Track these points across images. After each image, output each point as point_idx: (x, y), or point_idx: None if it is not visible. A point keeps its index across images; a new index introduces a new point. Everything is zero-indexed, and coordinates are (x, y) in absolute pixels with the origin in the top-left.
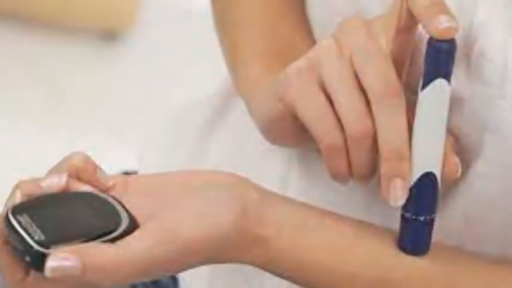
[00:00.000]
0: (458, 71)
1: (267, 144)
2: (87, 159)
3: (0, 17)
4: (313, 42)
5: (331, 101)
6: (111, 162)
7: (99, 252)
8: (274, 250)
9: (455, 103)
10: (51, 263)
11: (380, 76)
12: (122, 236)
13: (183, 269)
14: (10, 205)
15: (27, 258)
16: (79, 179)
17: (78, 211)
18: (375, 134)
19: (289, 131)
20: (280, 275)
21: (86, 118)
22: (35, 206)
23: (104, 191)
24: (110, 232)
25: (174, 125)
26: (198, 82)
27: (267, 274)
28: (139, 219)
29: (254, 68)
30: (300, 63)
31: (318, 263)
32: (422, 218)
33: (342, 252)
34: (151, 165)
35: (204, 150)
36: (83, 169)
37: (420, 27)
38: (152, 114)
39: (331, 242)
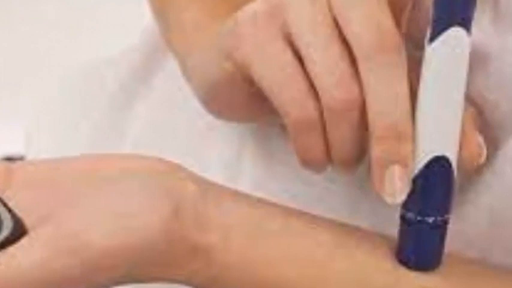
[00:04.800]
0: (481, 17)
1: (210, 118)
2: None
3: None
4: None
5: (300, 59)
6: None
7: None
8: (220, 264)
9: (477, 60)
10: None
11: (370, 23)
12: (3, 245)
13: None
14: None
15: None
16: None
17: None
18: (363, 103)
19: (241, 100)
20: None
21: None
22: None
23: None
24: None
25: (75, 92)
26: (109, 33)
27: None
28: (27, 221)
29: (191, 13)
30: (257, 6)
31: (282, 282)
32: (430, 220)
33: (317, 267)
34: (44, 148)
35: (120, 127)
36: None
37: None
38: (45, 78)
39: (300, 252)
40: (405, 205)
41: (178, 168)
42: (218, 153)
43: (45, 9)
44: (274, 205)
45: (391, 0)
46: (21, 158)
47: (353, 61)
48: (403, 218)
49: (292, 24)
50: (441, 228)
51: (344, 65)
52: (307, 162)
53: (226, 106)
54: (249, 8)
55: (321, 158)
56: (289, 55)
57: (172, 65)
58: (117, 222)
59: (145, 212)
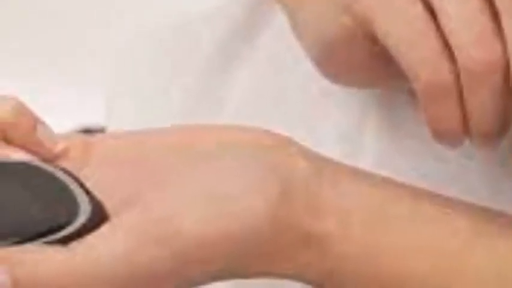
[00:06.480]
0: None
1: (325, 82)
2: (21, 110)
3: None
4: None
5: (432, 12)
6: (63, 114)
7: (41, 259)
8: (337, 255)
9: None
10: None
11: None
12: (80, 233)
13: None
14: None
15: None
16: (7, 140)
17: (7, 193)
18: (507, 65)
19: (361, 60)
20: None
21: (19, 45)
22: None
23: (49, 161)
24: (60, 227)
25: (164, 54)
26: None
27: None
28: (108, 205)
29: None
30: None
31: (410, 275)
32: None
33: (452, 259)
34: (128, 119)
35: (218, 94)
36: (13, 125)
37: None
38: (127, 37)
39: (433, 242)
40: None
41: (288, 141)
42: (334, 124)
43: None
44: (401, 186)
45: None
46: (101, 130)
47: (495, 15)
48: None
49: None
50: None
51: (484, 20)
52: (440, 135)
53: (344, 68)
54: None
55: (456, 130)
56: (419, 7)
57: (280, 20)
58: (215, 206)
59: (249, 193)
